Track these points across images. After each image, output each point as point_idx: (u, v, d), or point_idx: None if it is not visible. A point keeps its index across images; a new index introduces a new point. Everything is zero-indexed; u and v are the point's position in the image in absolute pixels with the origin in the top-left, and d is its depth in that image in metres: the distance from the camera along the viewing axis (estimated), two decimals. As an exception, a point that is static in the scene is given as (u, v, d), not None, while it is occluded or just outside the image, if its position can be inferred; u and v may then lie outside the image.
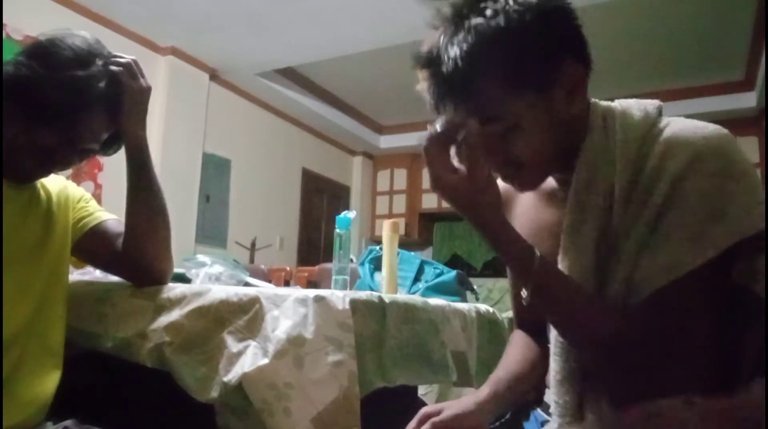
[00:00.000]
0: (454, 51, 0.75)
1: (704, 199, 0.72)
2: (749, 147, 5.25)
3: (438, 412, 0.92)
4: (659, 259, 0.73)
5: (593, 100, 0.86)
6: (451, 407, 0.92)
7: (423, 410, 0.93)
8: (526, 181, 0.85)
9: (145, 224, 1.10)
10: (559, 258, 0.83)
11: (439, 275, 1.75)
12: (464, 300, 1.72)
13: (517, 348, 1.03)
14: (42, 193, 1.09)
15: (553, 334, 0.86)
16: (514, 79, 0.76)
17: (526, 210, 0.94)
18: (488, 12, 0.76)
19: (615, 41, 4.43)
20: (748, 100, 5.07)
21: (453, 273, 1.75)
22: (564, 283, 0.79)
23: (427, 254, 6.46)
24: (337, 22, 4.07)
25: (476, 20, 0.75)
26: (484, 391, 0.96)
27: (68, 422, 1.03)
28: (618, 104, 0.85)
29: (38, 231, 1.05)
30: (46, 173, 1.05)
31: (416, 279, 1.77)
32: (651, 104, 0.84)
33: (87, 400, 1.13)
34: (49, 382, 1.04)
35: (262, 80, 5.10)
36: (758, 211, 0.71)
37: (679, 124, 0.79)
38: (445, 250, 6.61)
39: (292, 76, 5.28)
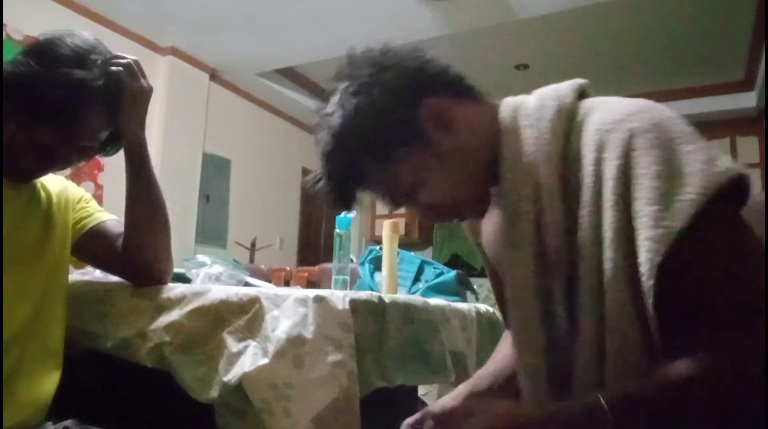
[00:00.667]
0: (320, 151, 0.80)
1: (657, 167, 0.65)
2: (749, 147, 5.26)
3: (421, 421, 0.91)
4: (645, 241, 0.65)
5: (503, 100, 0.83)
6: (435, 413, 0.90)
7: (405, 423, 0.92)
8: (472, 214, 0.85)
9: (145, 224, 1.10)
10: (505, 270, 0.81)
11: (439, 275, 1.75)
12: (464, 300, 1.72)
13: (505, 346, 1.03)
14: (42, 193, 1.09)
15: (518, 364, 0.82)
16: (380, 151, 0.77)
17: (495, 226, 0.90)
18: (330, 108, 0.79)
19: (615, 41, 4.43)
20: (748, 100, 5.07)
21: (453, 273, 1.75)
22: (649, 401, 0.65)
23: (427, 254, 6.45)
24: (337, 22, 4.07)
25: (325, 119, 0.79)
26: (461, 388, 0.95)
27: (68, 422, 1.03)
28: (534, 97, 0.82)
29: (38, 231, 1.05)
30: (44, 172, 1.05)
31: (416, 279, 1.77)
32: (567, 88, 0.80)
33: (87, 400, 1.13)
34: (49, 382, 1.04)
35: (262, 80, 5.10)
36: (718, 164, 0.65)
37: (603, 108, 0.74)
38: (445, 250, 6.60)
39: (292, 76, 5.29)
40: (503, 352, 1.02)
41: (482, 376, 0.97)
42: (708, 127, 5.34)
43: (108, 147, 1.10)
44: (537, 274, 0.77)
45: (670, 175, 0.64)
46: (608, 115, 0.72)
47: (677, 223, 0.62)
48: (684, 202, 0.63)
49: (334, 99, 0.79)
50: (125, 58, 1.06)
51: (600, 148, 0.70)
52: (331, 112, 0.79)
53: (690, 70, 4.92)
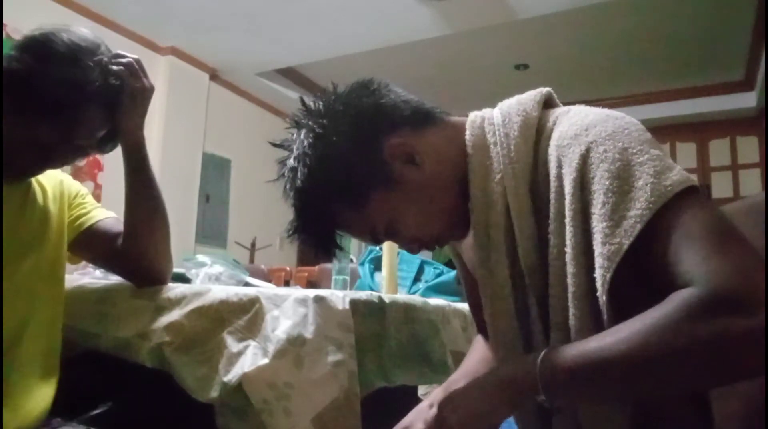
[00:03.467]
0: (291, 205, 0.82)
1: (609, 182, 0.65)
2: (749, 147, 5.26)
3: None
4: (598, 257, 0.65)
5: (469, 116, 0.83)
6: (418, 420, 0.88)
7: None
8: (452, 238, 0.85)
9: (144, 224, 1.10)
10: (480, 289, 0.81)
11: (439, 275, 1.75)
12: (464, 300, 1.72)
13: (476, 351, 1.02)
14: (38, 189, 1.07)
15: None
16: (351, 198, 0.77)
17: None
18: (292, 161, 0.79)
19: (615, 41, 4.43)
20: (748, 100, 5.07)
21: (453, 273, 1.75)
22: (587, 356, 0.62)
23: (427, 254, 6.44)
24: (337, 22, 4.07)
25: (288, 173, 0.80)
26: (437, 392, 0.94)
27: (54, 421, 1.03)
28: (498, 111, 0.81)
29: (35, 228, 1.04)
30: (41, 170, 1.04)
31: (416, 279, 1.77)
32: (531, 101, 0.79)
33: (87, 400, 1.13)
34: (47, 385, 1.03)
35: (262, 80, 5.10)
36: (668, 178, 0.64)
37: (565, 121, 0.74)
38: (445, 250, 6.59)
39: (292, 76, 5.28)
40: (474, 357, 1.01)
41: (455, 380, 0.96)
42: (708, 127, 5.35)
43: (105, 144, 1.09)
44: (513, 293, 0.77)
45: (620, 190, 0.65)
46: (568, 129, 0.72)
47: (626, 239, 0.63)
48: (632, 219, 0.63)
49: (295, 152, 0.79)
50: (126, 56, 1.05)
51: (559, 164, 0.71)
52: (294, 166, 0.79)
53: (690, 70, 4.92)
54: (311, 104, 0.81)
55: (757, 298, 0.55)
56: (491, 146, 0.78)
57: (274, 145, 0.85)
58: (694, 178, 0.65)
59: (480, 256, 0.79)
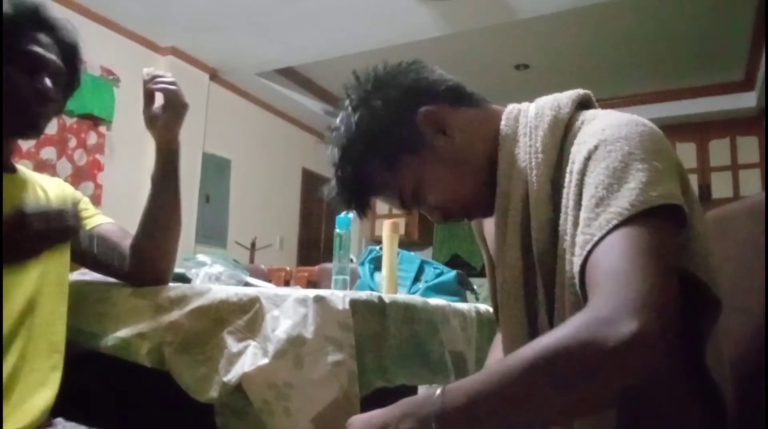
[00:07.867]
0: (331, 164, 0.88)
1: (603, 178, 0.67)
2: (749, 147, 5.25)
3: None
4: (577, 245, 0.68)
5: (507, 107, 0.87)
6: None
7: None
8: (478, 213, 0.89)
9: (161, 227, 1.13)
10: (496, 273, 0.84)
11: (439, 275, 1.75)
12: (464, 300, 1.72)
13: (498, 350, 1.03)
14: (41, 193, 1.10)
15: None
16: (384, 158, 0.83)
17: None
18: (336, 123, 0.86)
19: (615, 41, 4.43)
20: (748, 100, 5.07)
21: (453, 273, 1.75)
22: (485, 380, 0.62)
23: (427, 254, 6.45)
24: (337, 22, 4.07)
25: (332, 134, 0.87)
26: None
27: (57, 419, 1.03)
28: (534, 106, 0.85)
29: None
30: (45, 117, 1.06)
31: (416, 279, 1.77)
32: (567, 98, 0.82)
33: (87, 400, 1.13)
34: (50, 383, 1.03)
35: (262, 80, 5.10)
36: (657, 189, 0.65)
37: (593, 121, 0.76)
38: (445, 250, 6.60)
39: (292, 76, 5.29)
40: (496, 357, 1.02)
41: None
42: (708, 127, 5.35)
43: (66, 89, 1.11)
44: (524, 280, 0.80)
45: (611, 187, 0.67)
46: (593, 127, 0.75)
47: (599, 231, 0.65)
48: (609, 214, 0.65)
49: (340, 115, 0.86)
50: (167, 76, 1.12)
51: (574, 159, 0.74)
52: (337, 127, 0.86)
53: (690, 70, 4.92)
54: (360, 75, 0.88)
55: (627, 316, 0.56)
56: (521, 137, 0.82)
57: (329, 112, 0.94)
58: (680, 198, 0.66)
59: (497, 239, 0.83)
